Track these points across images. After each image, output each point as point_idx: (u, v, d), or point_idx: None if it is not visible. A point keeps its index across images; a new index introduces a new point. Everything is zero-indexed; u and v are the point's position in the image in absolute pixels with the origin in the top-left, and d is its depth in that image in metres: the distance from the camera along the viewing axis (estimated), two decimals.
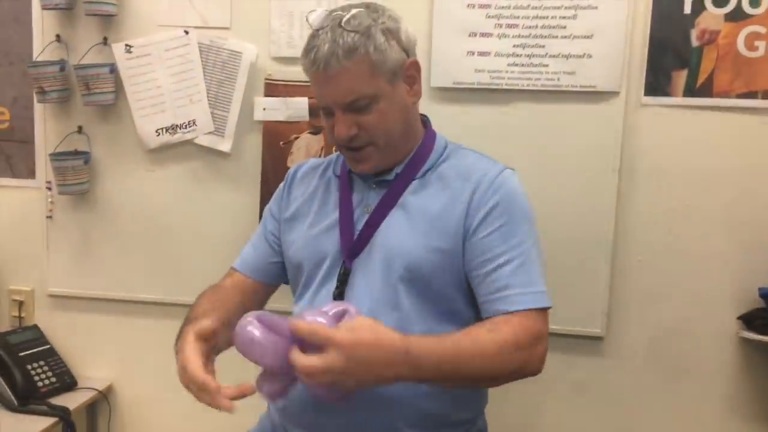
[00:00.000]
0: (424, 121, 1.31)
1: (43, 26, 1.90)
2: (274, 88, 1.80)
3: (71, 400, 1.84)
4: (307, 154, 1.79)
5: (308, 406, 1.18)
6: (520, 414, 1.78)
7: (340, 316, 1.02)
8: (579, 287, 1.69)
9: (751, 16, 1.60)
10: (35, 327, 1.98)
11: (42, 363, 1.89)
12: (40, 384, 1.85)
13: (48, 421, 1.74)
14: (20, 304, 2.01)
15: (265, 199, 1.68)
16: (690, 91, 1.64)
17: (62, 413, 1.77)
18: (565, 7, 1.64)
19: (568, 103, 1.68)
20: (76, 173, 1.86)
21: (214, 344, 1.09)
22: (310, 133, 1.80)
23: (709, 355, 1.70)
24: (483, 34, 1.69)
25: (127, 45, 1.84)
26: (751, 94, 1.62)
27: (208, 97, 1.83)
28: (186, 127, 1.85)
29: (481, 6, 1.68)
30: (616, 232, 1.69)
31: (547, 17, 1.66)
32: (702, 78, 1.63)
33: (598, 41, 1.64)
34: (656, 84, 1.65)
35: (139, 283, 1.94)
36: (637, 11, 1.63)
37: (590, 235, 1.69)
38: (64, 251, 1.97)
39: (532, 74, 1.68)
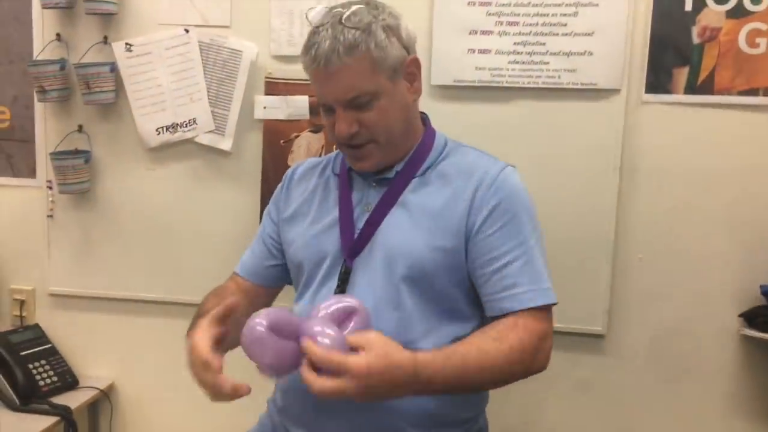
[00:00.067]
0: (424, 118, 1.30)
1: (43, 25, 1.90)
2: (274, 87, 1.80)
3: (73, 399, 1.85)
4: (307, 153, 1.79)
5: (308, 406, 1.18)
6: (521, 412, 1.78)
7: (345, 316, 1.02)
8: (580, 286, 1.69)
9: (753, 12, 1.60)
10: (36, 326, 1.98)
11: (43, 362, 1.89)
12: (41, 383, 1.85)
13: (49, 420, 1.74)
14: (21, 303, 2.01)
15: (265, 198, 1.68)
16: (691, 88, 1.64)
17: (64, 412, 1.77)
18: (566, 5, 1.64)
19: (569, 100, 1.67)
20: (76, 172, 1.86)
21: (226, 331, 1.07)
22: (310, 131, 1.80)
23: (711, 353, 1.70)
24: (483, 32, 1.69)
25: (127, 44, 1.84)
26: (752, 91, 1.62)
27: (208, 95, 1.83)
28: (186, 126, 1.85)
29: (482, 3, 1.68)
30: (617, 230, 1.68)
31: (548, 15, 1.65)
32: (703, 75, 1.63)
33: (598, 39, 1.64)
34: (657, 81, 1.65)
35: (140, 282, 1.94)
36: (638, 8, 1.63)
37: (591, 234, 1.68)
38: (65, 250, 1.97)
39: (533, 72, 1.67)
